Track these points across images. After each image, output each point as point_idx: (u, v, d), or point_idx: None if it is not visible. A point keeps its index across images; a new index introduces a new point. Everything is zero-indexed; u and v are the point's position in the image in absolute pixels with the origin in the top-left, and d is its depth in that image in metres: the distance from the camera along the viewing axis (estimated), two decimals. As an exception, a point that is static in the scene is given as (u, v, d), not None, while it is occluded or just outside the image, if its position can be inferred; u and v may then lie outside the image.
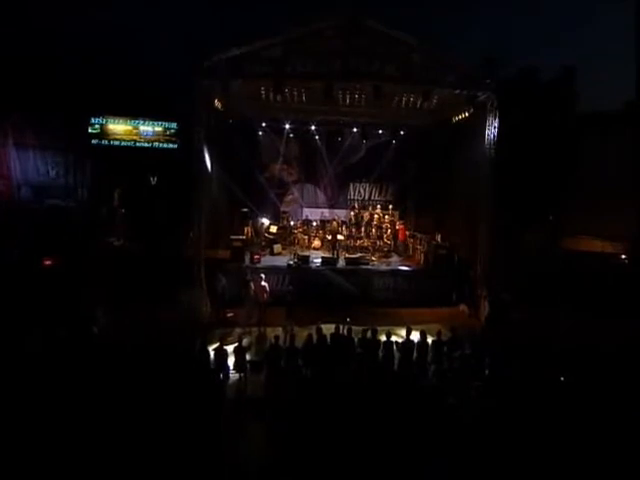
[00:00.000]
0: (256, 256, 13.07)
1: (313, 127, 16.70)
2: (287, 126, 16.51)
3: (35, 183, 15.80)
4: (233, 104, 13.54)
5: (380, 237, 15.30)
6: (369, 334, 8.03)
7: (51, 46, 16.72)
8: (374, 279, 12.88)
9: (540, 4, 28.88)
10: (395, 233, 15.46)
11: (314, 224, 16.29)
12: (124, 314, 9.66)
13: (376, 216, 15.96)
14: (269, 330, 9.79)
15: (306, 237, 15.74)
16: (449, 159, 14.56)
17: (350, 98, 12.48)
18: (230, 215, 15.39)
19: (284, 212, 16.97)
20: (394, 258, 14.79)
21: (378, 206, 17.00)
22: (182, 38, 20.18)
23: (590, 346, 8.57)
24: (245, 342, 8.41)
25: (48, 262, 11.72)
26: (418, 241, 15.18)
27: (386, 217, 15.98)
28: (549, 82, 18.18)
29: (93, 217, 15.08)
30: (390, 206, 17.05)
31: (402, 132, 17.12)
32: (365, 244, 15.29)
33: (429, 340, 8.06)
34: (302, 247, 15.29)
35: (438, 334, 8.23)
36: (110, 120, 17.11)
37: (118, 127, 17.24)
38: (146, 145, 17.45)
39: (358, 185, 18.48)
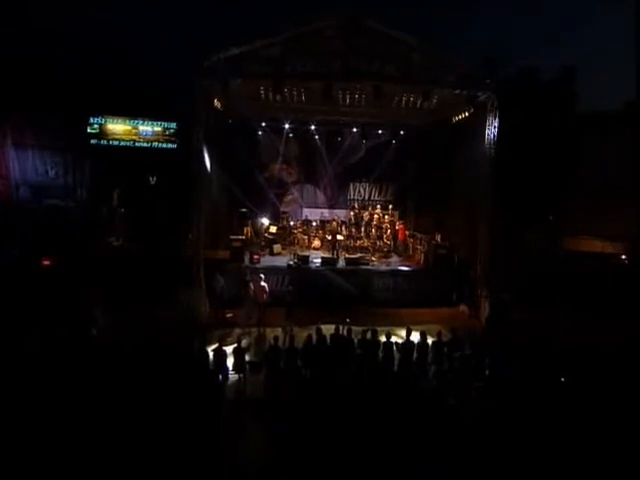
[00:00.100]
0: (255, 256, 13.04)
1: (313, 127, 16.68)
2: (287, 126, 16.49)
3: (34, 183, 15.77)
4: (233, 104, 13.53)
5: (380, 237, 15.27)
6: (369, 335, 8.02)
7: (51, 46, 16.69)
8: (374, 279, 12.86)
9: (540, 4, 28.88)
10: (395, 233, 15.45)
11: (314, 224, 16.27)
12: (123, 314, 9.65)
13: (376, 216, 15.94)
14: (268, 331, 9.77)
15: (306, 237, 15.72)
16: (449, 159, 14.55)
17: (350, 98, 12.47)
18: (230, 215, 15.37)
19: (284, 212, 16.95)
20: (394, 258, 14.77)
21: (378, 206, 16.99)
22: (182, 38, 20.17)
23: (590, 346, 8.57)
24: (244, 343, 8.40)
25: (46, 262, 11.69)
26: (418, 241, 15.17)
27: (386, 217, 15.96)
28: (549, 82, 18.17)
29: (92, 217, 15.05)
30: (390, 206, 17.03)
31: (402, 132, 17.11)
32: (365, 244, 15.27)
33: (429, 341, 8.05)
34: (302, 247, 15.26)
35: (438, 335, 8.21)
36: (109, 120, 17.08)
37: (117, 127, 17.21)
38: (145, 145, 17.42)
39: (358, 185, 18.46)
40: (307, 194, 18.20)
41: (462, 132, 13.58)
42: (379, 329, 8.33)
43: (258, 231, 15.92)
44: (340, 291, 12.36)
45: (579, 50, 24.71)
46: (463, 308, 12.30)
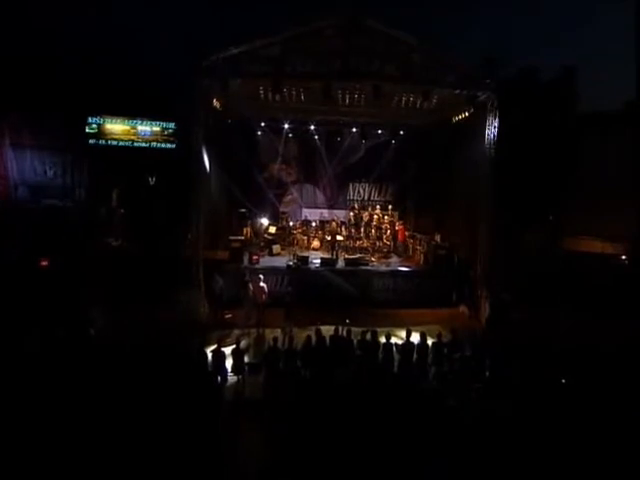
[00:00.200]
0: (255, 257, 13.01)
1: (312, 127, 16.67)
2: (286, 126, 16.47)
3: (32, 183, 15.73)
4: (232, 104, 13.51)
5: (379, 238, 15.24)
6: (368, 336, 7.99)
7: (49, 46, 16.65)
8: (373, 280, 12.83)
9: (540, 4, 28.87)
10: (395, 233, 15.42)
11: (313, 224, 16.25)
12: (122, 315, 9.62)
13: (375, 216, 15.92)
14: (267, 331, 9.75)
15: (305, 238, 15.70)
16: (449, 159, 14.53)
17: (349, 98, 12.45)
18: (229, 215, 15.35)
19: (283, 212, 16.91)
20: (394, 259, 14.74)
21: (377, 206, 16.99)
22: (181, 38, 20.14)
23: (590, 346, 8.57)
24: (243, 344, 8.37)
25: (44, 263, 11.65)
26: (418, 241, 15.14)
27: (385, 217, 15.94)
28: (549, 82, 18.15)
29: (91, 217, 15.03)
30: (390, 206, 17.01)
31: (402, 132, 17.09)
32: (364, 245, 15.24)
33: (429, 342, 8.02)
34: (301, 248, 15.23)
35: (438, 336, 8.19)
36: (107, 120, 17.04)
37: (116, 127, 17.17)
38: (144, 145, 17.38)
39: (357, 185, 18.44)
40: (306, 194, 18.17)
41: (462, 132, 13.56)
42: (379, 330, 8.31)
43: (257, 231, 15.89)
44: (339, 292, 12.33)
45: (579, 50, 24.71)
46: (463, 309, 12.27)
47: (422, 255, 14.26)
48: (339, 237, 14.93)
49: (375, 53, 10.89)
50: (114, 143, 17.12)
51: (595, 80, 20.18)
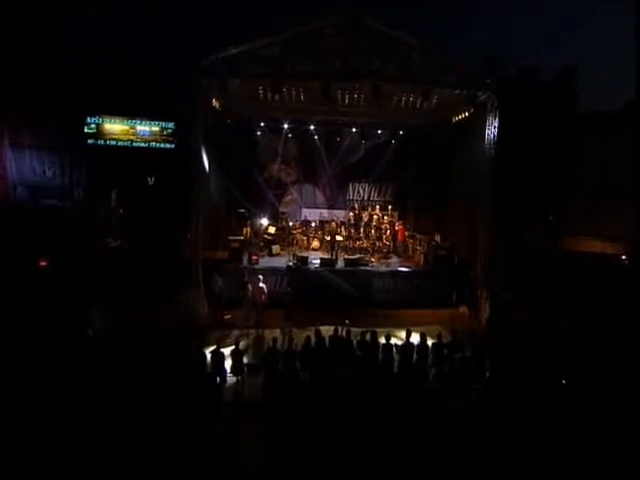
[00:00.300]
0: (254, 257, 12.98)
1: (312, 127, 16.62)
2: (286, 126, 16.41)
3: (31, 183, 15.72)
4: (231, 104, 13.48)
5: (379, 238, 15.21)
6: (368, 336, 7.96)
7: (50, 46, 16.64)
8: (373, 280, 12.80)
9: (540, 4, 28.92)
10: (394, 234, 15.39)
11: (313, 225, 16.22)
12: (121, 315, 9.61)
13: (375, 217, 15.89)
14: (267, 332, 9.73)
15: (305, 238, 15.67)
16: (449, 159, 14.51)
17: (349, 98, 12.42)
18: (228, 215, 15.31)
19: (283, 212, 16.88)
20: (393, 259, 14.72)
21: (377, 206, 16.95)
22: (181, 38, 20.16)
23: (590, 346, 8.57)
24: (242, 345, 8.35)
25: (43, 263, 11.62)
26: (418, 242, 15.12)
27: (385, 218, 15.91)
28: (549, 82, 18.15)
29: (90, 217, 15.03)
30: (389, 206, 16.98)
31: (402, 132, 17.04)
32: (364, 245, 15.20)
33: (429, 342, 8.00)
34: (301, 248, 15.21)
35: (438, 336, 8.17)
36: (106, 120, 17.03)
37: (114, 127, 17.16)
38: (143, 145, 17.38)
39: (357, 185, 18.39)
40: (306, 194, 18.13)
41: (462, 132, 13.54)
42: (378, 330, 8.30)
43: (257, 232, 15.86)
44: (339, 292, 12.30)
45: (579, 50, 24.79)
46: (463, 309, 12.24)
47: (422, 255, 14.24)
48: (339, 237, 14.90)
49: (375, 53, 10.87)
50: (113, 143, 17.12)
51: (595, 80, 20.19)
